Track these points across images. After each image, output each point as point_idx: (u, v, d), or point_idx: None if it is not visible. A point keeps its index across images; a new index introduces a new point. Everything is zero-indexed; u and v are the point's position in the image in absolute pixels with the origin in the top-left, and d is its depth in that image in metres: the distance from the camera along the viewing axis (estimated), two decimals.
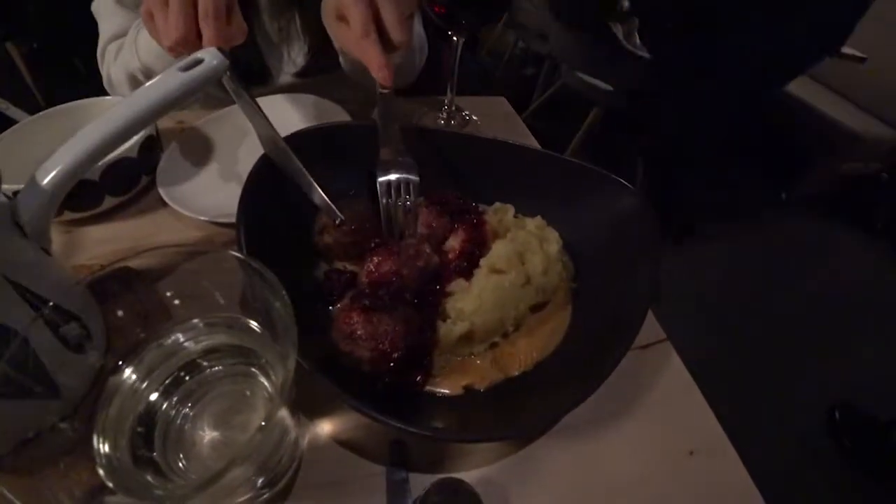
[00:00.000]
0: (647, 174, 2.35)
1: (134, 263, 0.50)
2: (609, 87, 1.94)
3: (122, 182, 0.54)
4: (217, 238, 0.54)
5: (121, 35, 0.67)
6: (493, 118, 0.79)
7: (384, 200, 0.44)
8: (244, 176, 0.42)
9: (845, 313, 1.86)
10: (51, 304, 0.33)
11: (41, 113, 0.59)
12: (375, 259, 0.42)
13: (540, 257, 0.44)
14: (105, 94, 0.65)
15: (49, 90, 2.17)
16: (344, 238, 0.44)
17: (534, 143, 0.75)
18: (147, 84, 0.35)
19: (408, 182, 0.45)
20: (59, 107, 0.60)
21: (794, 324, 1.79)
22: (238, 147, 0.65)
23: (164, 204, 0.55)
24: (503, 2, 0.63)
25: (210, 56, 0.35)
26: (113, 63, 0.67)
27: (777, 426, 1.46)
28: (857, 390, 1.54)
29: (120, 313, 0.44)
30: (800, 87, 2.50)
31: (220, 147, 0.65)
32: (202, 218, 0.53)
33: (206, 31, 0.39)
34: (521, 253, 0.43)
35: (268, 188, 0.44)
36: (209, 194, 0.57)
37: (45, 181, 0.33)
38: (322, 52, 0.72)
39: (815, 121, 2.34)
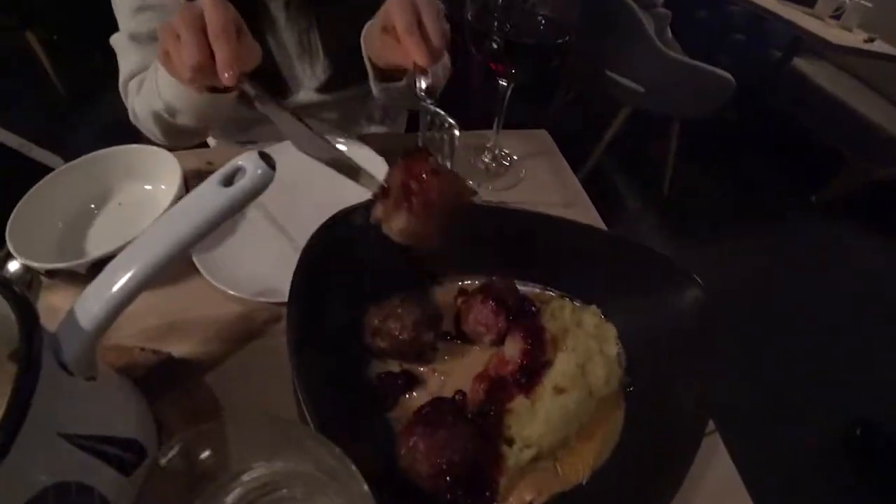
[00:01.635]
0: (675, 175, 2.29)
1: (177, 351, 0.49)
2: (640, 88, 1.87)
3: None
4: (257, 315, 0.52)
5: (139, 71, 0.66)
6: (535, 156, 0.76)
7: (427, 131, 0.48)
8: (285, 242, 0.41)
9: (870, 322, 1.82)
10: (107, 438, 0.32)
11: (67, 165, 0.57)
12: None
13: (601, 367, 0.42)
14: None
15: (69, 80, 2.15)
16: (401, 345, 0.42)
17: (575, 183, 0.73)
18: (185, 201, 0.33)
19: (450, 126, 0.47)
20: (86, 156, 0.58)
21: (816, 331, 1.76)
22: (276, 204, 0.62)
23: (196, 269, 0.53)
24: (559, 58, 0.60)
25: (251, 164, 0.32)
26: (136, 98, 0.66)
27: (791, 442, 1.44)
28: (880, 406, 1.50)
29: (170, 412, 0.44)
30: (836, 84, 2.40)
31: (255, 204, 0.62)
32: (242, 296, 0.51)
33: (219, 52, 0.41)
34: (582, 364, 0.42)
35: (318, 277, 0.43)
36: (247, 264, 0.55)
37: (86, 322, 0.32)
38: (345, 68, 0.71)
39: (851, 122, 2.25)
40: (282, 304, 0.43)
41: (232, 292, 0.51)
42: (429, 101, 0.48)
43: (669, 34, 2.13)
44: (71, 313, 0.32)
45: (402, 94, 0.62)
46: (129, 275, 0.31)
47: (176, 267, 0.53)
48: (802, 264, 2.06)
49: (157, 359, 0.46)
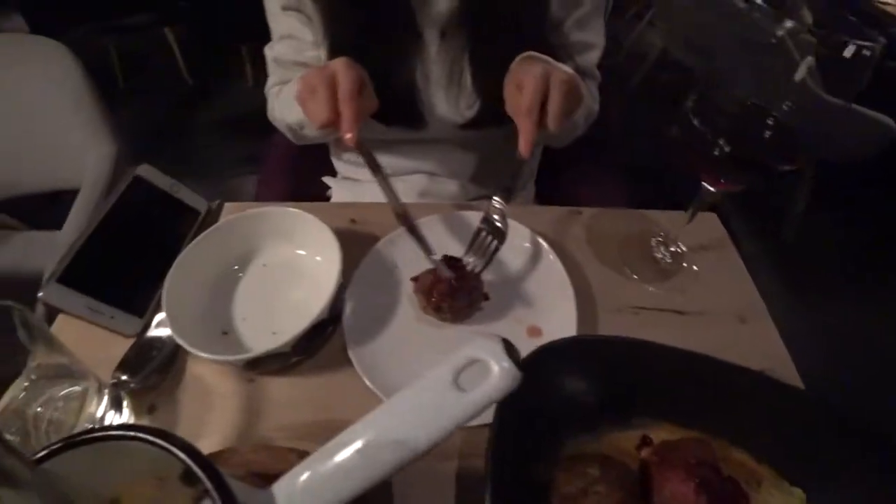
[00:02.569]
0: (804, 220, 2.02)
1: None
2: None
3: (310, 343, 0.49)
4: None
5: (279, 84, 0.73)
6: (707, 249, 0.64)
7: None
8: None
9: None
10: None
11: (214, 227, 0.54)
12: None
13: None
14: None
15: (198, 75, 2.30)
16: None
17: (751, 289, 0.61)
18: (410, 400, 0.27)
19: (496, 247, 0.54)
20: (232, 218, 0.55)
21: None
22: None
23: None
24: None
25: (493, 358, 0.26)
26: (276, 101, 0.72)
27: None
28: None
29: None
30: None
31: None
32: None
33: (345, 113, 0.47)
34: None
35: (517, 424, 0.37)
36: (408, 367, 0.50)
37: None
38: (493, 104, 0.65)
39: None
40: None
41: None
42: (495, 201, 0.54)
43: (813, 64, 1.86)
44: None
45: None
46: (346, 485, 0.26)
47: (333, 355, 0.51)
48: None
49: None
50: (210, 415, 0.48)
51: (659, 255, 0.62)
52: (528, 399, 0.37)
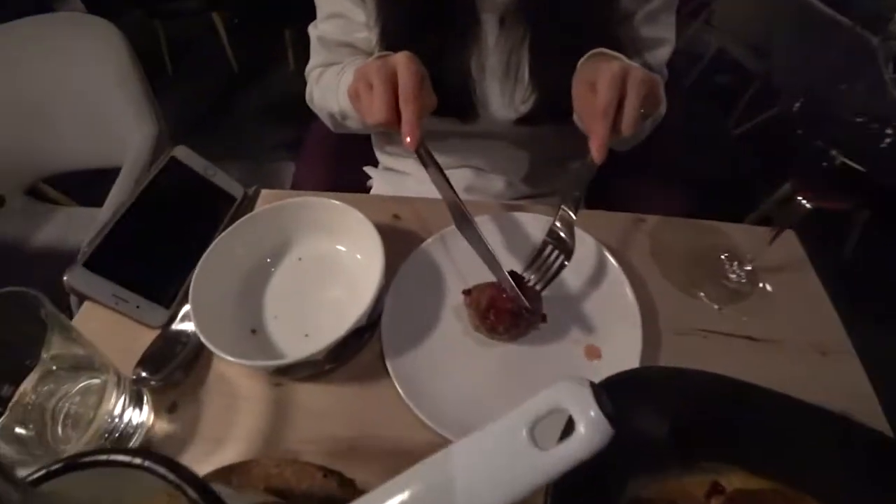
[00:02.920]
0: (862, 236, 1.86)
1: (362, 480, 0.40)
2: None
3: (345, 349, 0.45)
4: None
5: (322, 66, 0.69)
6: (783, 269, 0.56)
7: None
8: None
9: None
10: None
11: (248, 217, 0.50)
12: None
13: None
14: None
15: (243, 59, 2.32)
16: None
17: (833, 317, 0.52)
18: (476, 445, 0.22)
19: (562, 264, 0.47)
20: (267, 208, 0.51)
21: None
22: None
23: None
24: None
25: (579, 409, 0.21)
26: (315, 86, 0.69)
27: None
28: None
29: None
30: None
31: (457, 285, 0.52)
32: (443, 433, 0.41)
33: (406, 114, 0.44)
34: None
35: None
36: (454, 380, 0.45)
37: None
38: (550, 99, 0.62)
39: None
40: None
41: (438, 429, 0.41)
42: (564, 211, 0.48)
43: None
44: None
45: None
46: None
47: (369, 362, 0.47)
48: None
49: (342, 493, 0.38)
50: (233, 418, 0.44)
51: (730, 274, 0.55)
52: None
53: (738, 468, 0.38)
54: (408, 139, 0.44)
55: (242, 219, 0.51)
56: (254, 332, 0.48)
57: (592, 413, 0.21)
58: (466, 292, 0.48)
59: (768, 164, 1.89)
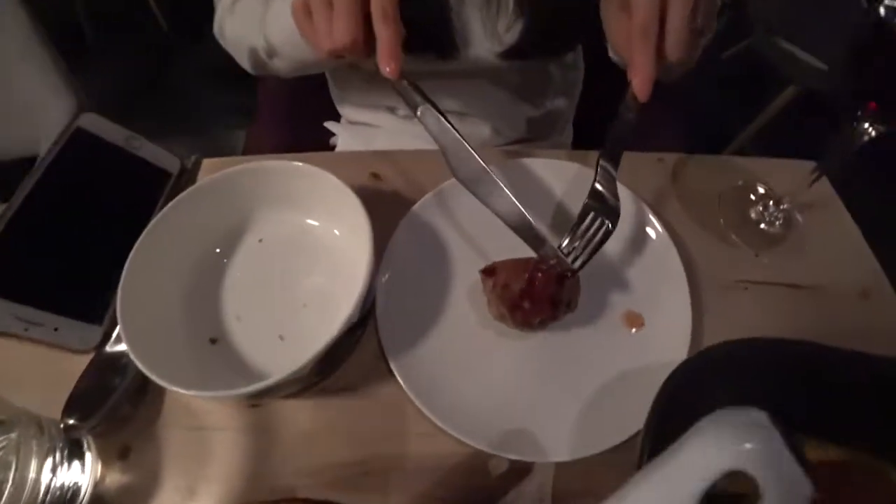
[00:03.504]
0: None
1: None
2: (822, 65, 1.42)
3: (336, 354, 0.35)
4: (493, 467, 0.34)
5: None
6: (813, 206, 0.49)
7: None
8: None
9: None
10: None
11: (188, 192, 0.39)
12: None
13: None
14: None
15: (174, 18, 2.06)
16: None
17: (868, 255, 0.47)
18: None
19: (607, 232, 0.36)
20: (214, 178, 0.40)
21: None
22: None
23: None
24: None
25: (780, 474, 0.12)
26: (228, 15, 0.55)
27: None
28: None
29: None
30: None
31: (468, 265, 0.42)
32: (471, 443, 0.33)
33: (383, 36, 0.33)
34: None
35: None
36: (477, 375, 0.37)
37: None
38: (536, 30, 0.52)
39: None
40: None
41: (454, 432, 0.33)
42: (603, 167, 0.37)
43: None
44: None
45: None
46: None
47: (365, 364, 0.38)
48: None
49: None
50: (204, 456, 0.35)
51: (765, 215, 0.49)
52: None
53: (814, 439, 0.33)
54: (388, 66, 0.34)
55: (180, 196, 0.39)
56: (213, 341, 0.38)
57: (789, 467, 0.12)
58: (488, 271, 0.37)
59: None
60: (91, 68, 1.65)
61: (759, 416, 0.13)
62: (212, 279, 0.41)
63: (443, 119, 0.36)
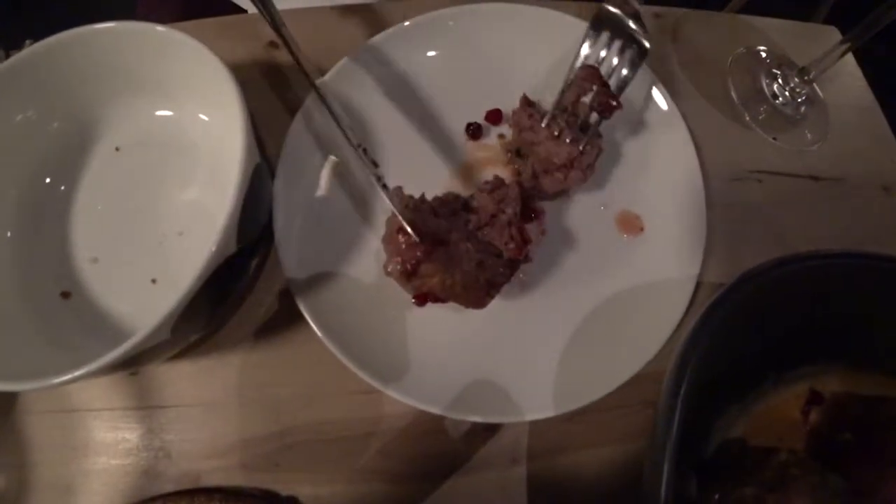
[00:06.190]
0: None
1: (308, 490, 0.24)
2: None
3: (225, 293, 0.25)
4: (451, 428, 0.27)
5: None
6: (832, 78, 0.40)
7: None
8: None
9: None
10: None
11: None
12: None
13: None
14: None
15: None
16: None
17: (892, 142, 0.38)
18: None
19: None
20: (33, 49, 0.27)
21: None
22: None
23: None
24: None
25: None
26: None
27: None
28: None
29: None
30: None
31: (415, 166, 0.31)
32: (435, 411, 0.25)
33: None
34: None
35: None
36: (414, 330, 0.28)
37: None
38: None
39: None
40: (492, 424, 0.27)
41: (390, 392, 0.25)
42: None
43: None
44: None
45: None
46: None
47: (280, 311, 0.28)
48: None
49: None
50: (79, 445, 0.27)
51: (785, 91, 0.39)
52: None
53: (841, 364, 0.30)
54: None
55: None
56: (66, 295, 0.28)
57: None
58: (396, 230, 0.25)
59: None
60: None
61: None
62: (54, 210, 0.29)
63: None
